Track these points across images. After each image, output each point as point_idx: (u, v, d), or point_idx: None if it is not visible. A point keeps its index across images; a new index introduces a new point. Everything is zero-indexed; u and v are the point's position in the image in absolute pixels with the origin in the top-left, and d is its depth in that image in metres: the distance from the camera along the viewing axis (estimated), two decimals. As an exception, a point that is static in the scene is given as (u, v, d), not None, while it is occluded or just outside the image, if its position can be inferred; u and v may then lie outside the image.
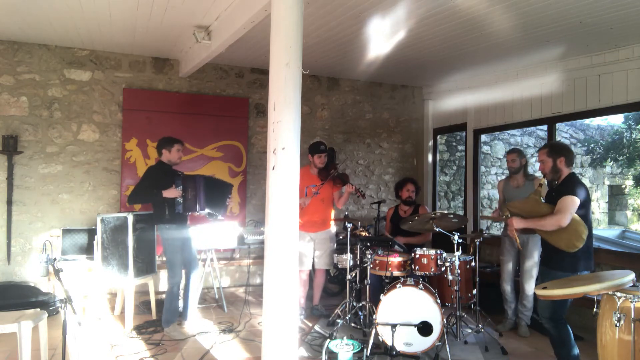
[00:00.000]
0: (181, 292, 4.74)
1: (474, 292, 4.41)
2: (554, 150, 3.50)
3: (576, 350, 3.36)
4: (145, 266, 4.74)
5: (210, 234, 5.14)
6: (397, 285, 3.90)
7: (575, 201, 3.25)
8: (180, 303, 4.73)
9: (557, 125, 5.72)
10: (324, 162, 4.91)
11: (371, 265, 4.29)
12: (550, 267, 3.46)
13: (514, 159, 4.70)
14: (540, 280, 3.51)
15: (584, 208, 3.33)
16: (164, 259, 4.50)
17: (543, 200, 3.54)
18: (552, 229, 3.32)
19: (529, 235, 4.55)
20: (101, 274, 4.61)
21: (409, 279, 4.07)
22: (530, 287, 4.56)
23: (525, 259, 4.60)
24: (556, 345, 3.41)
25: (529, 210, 3.53)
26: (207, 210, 4.45)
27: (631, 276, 2.73)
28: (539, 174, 3.78)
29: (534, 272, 4.54)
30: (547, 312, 3.35)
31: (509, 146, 9.28)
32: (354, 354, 3.43)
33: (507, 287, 4.75)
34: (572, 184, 3.36)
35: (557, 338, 3.37)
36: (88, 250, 5.23)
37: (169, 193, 4.28)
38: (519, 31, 4.42)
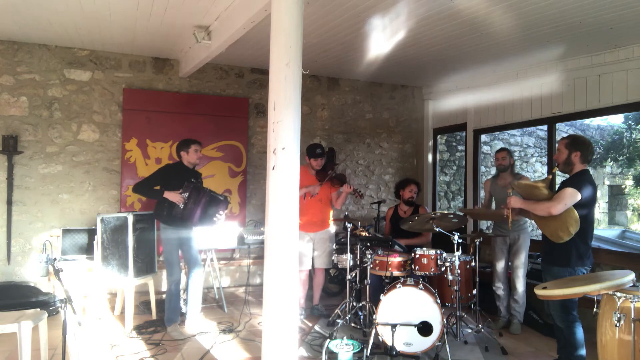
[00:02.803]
0: (184, 291, 4.75)
1: (474, 292, 4.41)
2: (573, 143, 3.46)
3: (584, 351, 3.36)
4: (145, 266, 4.74)
5: (210, 234, 5.14)
6: (397, 285, 3.90)
7: (575, 195, 3.26)
8: (182, 303, 4.74)
9: (557, 125, 5.72)
10: (320, 165, 4.92)
11: (371, 265, 4.29)
12: (547, 263, 3.50)
13: (504, 157, 4.79)
14: (542, 277, 3.52)
15: (587, 207, 3.33)
16: (162, 258, 4.51)
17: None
18: (542, 214, 3.36)
19: (519, 233, 4.62)
20: (101, 274, 4.61)
21: (409, 279, 4.07)
22: (520, 285, 4.64)
23: (516, 257, 4.67)
24: (565, 344, 3.42)
25: (530, 193, 3.56)
26: (198, 225, 4.47)
27: (631, 276, 2.73)
28: (537, 174, 3.81)
29: (524, 270, 4.65)
30: (558, 311, 3.37)
31: (509, 146, 9.30)
32: (354, 354, 3.43)
33: (500, 286, 4.80)
34: (579, 180, 3.37)
35: (568, 336, 3.37)
36: (88, 250, 5.23)
37: (171, 195, 4.28)
38: (519, 31, 4.42)
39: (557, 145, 3.65)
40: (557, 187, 3.56)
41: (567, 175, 3.53)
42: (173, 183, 4.33)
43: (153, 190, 4.37)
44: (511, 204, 3.58)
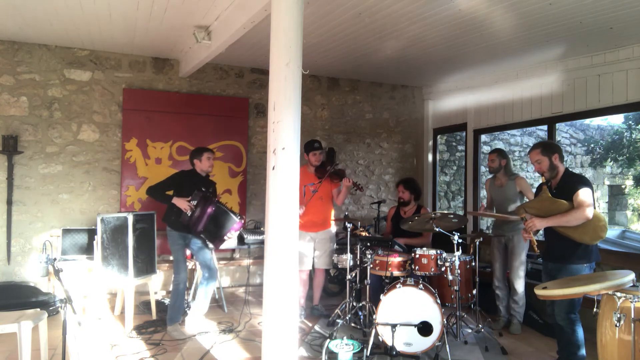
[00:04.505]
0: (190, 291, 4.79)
1: (474, 292, 4.41)
2: (547, 148, 3.52)
3: (584, 351, 3.36)
4: (145, 266, 4.74)
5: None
6: (397, 285, 3.90)
7: (590, 192, 3.30)
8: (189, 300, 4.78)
9: (557, 125, 5.73)
10: (319, 160, 4.92)
11: (371, 265, 4.29)
12: (565, 262, 3.42)
13: (493, 159, 4.80)
14: (550, 278, 3.49)
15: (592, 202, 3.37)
16: (171, 257, 4.52)
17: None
18: (578, 223, 3.29)
19: (513, 233, 4.62)
20: (101, 274, 4.61)
21: (409, 279, 4.07)
22: (519, 285, 4.64)
23: (513, 258, 4.67)
24: (566, 343, 3.42)
25: (547, 208, 3.46)
26: (201, 236, 4.44)
27: (631, 276, 2.73)
28: (537, 174, 3.80)
29: (523, 271, 4.65)
30: (564, 311, 3.36)
31: (509, 146, 9.30)
32: (354, 354, 3.43)
33: (499, 285, 4.82)
34: (576, 178, 3.42)
35: (570, 335, 3.37)
36: (88, 250, 5.22)
37: (178, 202, 4.32)
38: (519, 31, 4.42)
39: (530, 158, 3.65)
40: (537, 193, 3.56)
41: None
42: (185, 190, 4.38)
43: (164, 195, 4.43)
44: (535, 227, 3.42)
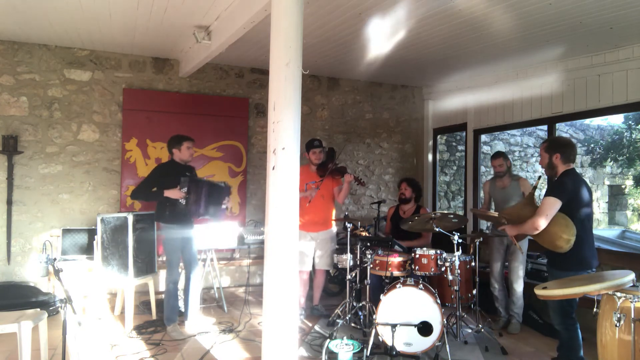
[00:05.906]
0: (182, 292, 4.76)
1: (474, 292, 4.41)
2: (551, 145, 3.46)
3: (581, 353, 3.36)
4: (145, 266, 4.74)
5: (210, 234, 5.14)
6: (397, 285, 3.90)
7: (553, 202, 3.20)
8: (182, 303, 4.75)
9: (557, 125, 5.73)
10: (319, 159, 4.91)
11: (371, 265, 4.29)
12: (550, 265, 3.48)
13: (501, 164, 4.77)
14: (549, 280, 3.50)
15: (578, 207, 3.24)
16: (164, 258, 4.51)
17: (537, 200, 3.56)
18: (531, 232, 3.30)
19: None
20: (101, 274, 4.61)
21: (409, 279, 4.07)
22: (518, 285, 4.65)
23: (513, 258, 4.68)
24: (565, 345, 3.41)
25: (516, 215, 3.56)
26: (206, 216, 4.46)
27: (631, 276, 2.72)
28: (537, 174, 3.81)
29: (522, 271, 4.66)
30: (558, 315, 3.34)
31: (509, 146, 9.30)
32: (354, 354, 3.43)
33: (497, 286, 4.82)
34: (557, 184, 3.31)
35: (567, 340, 3.35)
36: (88, 250, 5.23)
37: (171, 193, 4.28)
38: (519, 31, 4.42)
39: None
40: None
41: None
42: (169, 182, 4.31)
43: (152, 192, 4.35)
44: (510, 234, 3.62)
